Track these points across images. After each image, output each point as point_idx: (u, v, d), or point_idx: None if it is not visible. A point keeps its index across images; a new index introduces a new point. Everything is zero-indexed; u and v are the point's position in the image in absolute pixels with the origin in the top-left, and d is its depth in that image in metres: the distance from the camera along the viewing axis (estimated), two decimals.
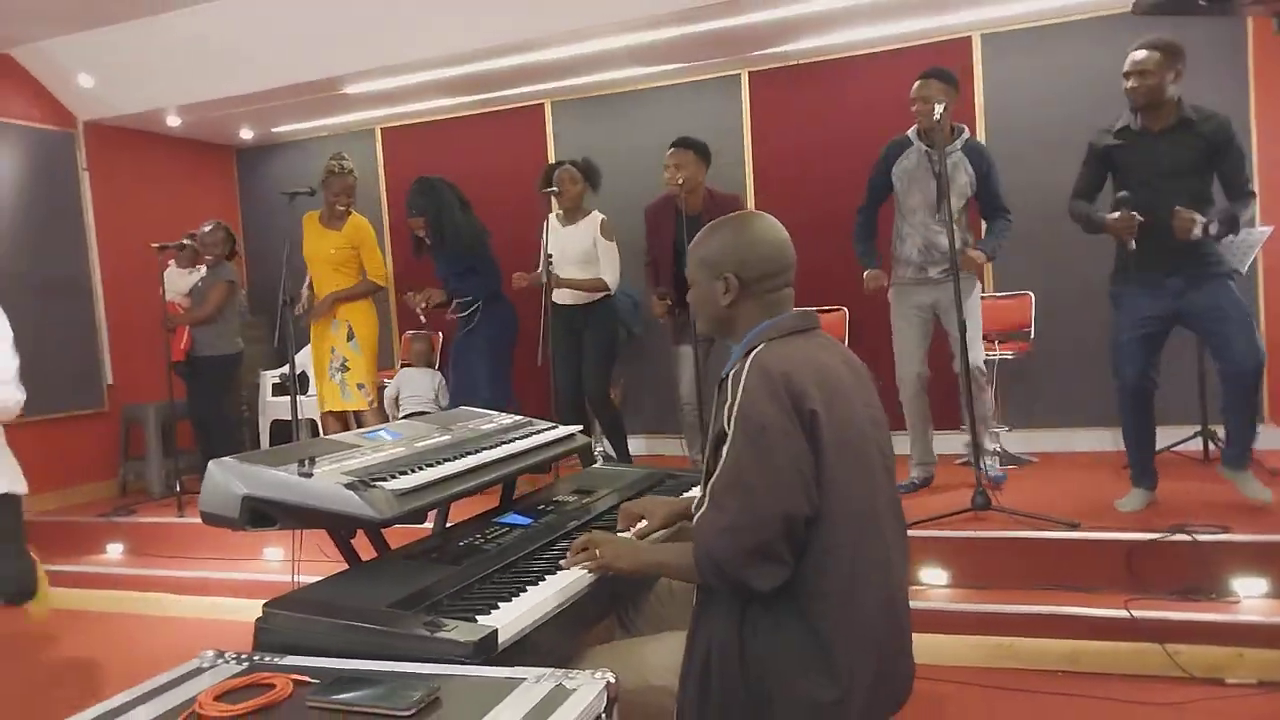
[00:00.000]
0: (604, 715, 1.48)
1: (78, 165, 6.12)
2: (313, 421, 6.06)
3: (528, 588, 1.92)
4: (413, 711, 1.42)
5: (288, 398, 6.44)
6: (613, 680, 1.52)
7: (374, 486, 2.02)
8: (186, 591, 4.86)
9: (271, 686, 1.54)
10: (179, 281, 5.89)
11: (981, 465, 4.12)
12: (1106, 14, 5.15)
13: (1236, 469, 3.92)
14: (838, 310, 5.76)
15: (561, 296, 4.96)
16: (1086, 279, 4.87)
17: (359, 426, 5.22)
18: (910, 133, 4.39)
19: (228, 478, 2.01)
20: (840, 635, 1.77)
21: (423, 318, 5.34)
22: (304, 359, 6.29)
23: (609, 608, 2.21)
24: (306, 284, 5.33)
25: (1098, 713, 3.07)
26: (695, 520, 1.83)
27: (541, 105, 6.38)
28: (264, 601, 1.82)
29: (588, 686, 1.48)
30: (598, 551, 2.01)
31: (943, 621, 3.59)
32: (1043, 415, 5.45)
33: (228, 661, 1.70)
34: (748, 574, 1.74)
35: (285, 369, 6.59)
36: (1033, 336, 5.31)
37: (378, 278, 5.30)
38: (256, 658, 1.71)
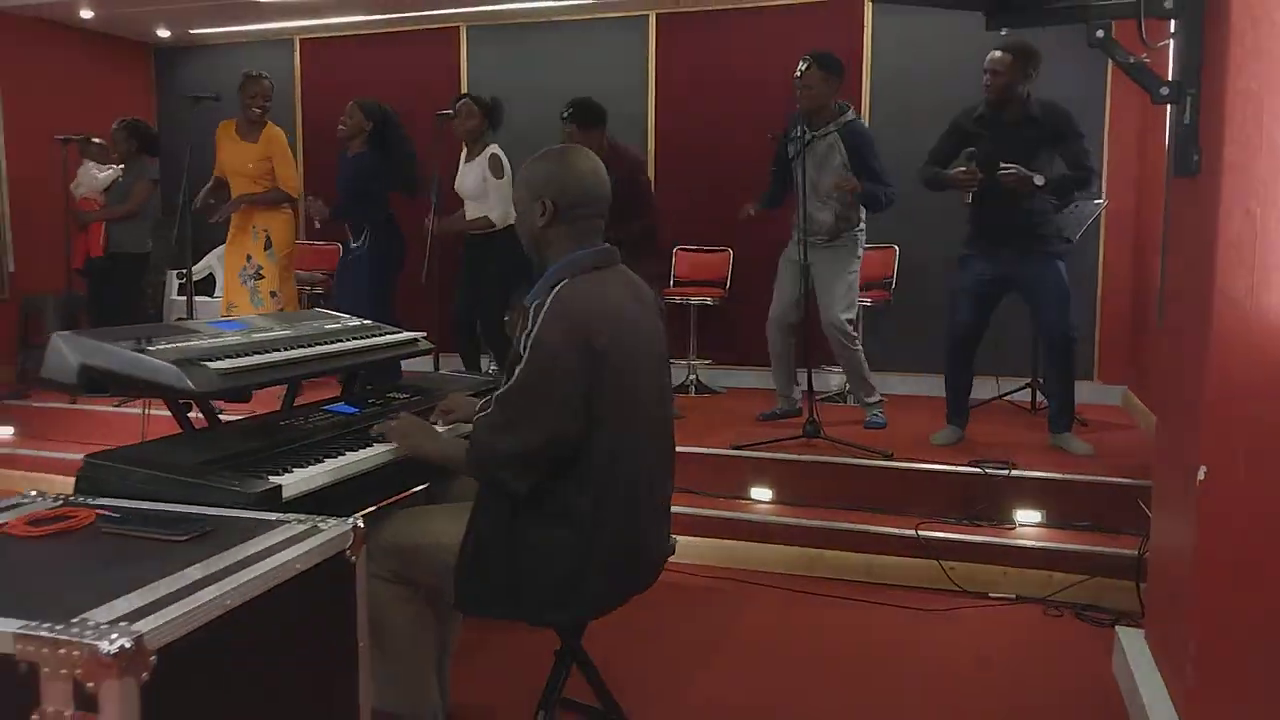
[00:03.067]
0: (349, 551, 1.80)
1: None
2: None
3: (324, 459, 2.22)
4: (185, 538, 1.72)
5: (195, 298, 6.65)
6: (360, 526, 1.83)
7: (199, 365, 2.29)
8: (72, 473, 5.07)
9: (71, 518, 1.83)
10: (96, 178, 5.95)
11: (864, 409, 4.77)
12: None
13: (1058, 430, 4.39)
14: (723, 251, 6.07)
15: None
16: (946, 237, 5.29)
17: None
18: (799, 112, 4.62)
19: (70, 348, 2.27)
20: (593, 535, 2.08)
21: (318, 224, 5.48)
22: (213, 261, 6.46)
23: (408, 483, 2.53)
24: (208, 187, 5.45)
25: (882, 616, 3.51)
26: (475, 418, 2.12)
27: (457, 28, 6.54)
28: (86, 455, 2.10)
29: (337, 528, 1.80)
30: (385, 433, 2.32)
31: (762, 532, 4.01)
32: (898, 359, 5.84)
33: (44, 499, 1.99)
34: (504, 474, 2.05)
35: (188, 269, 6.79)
36: (894, 287, 5.70)
37: (290, 188, 5.42)
38: (72, 498, 1.99)
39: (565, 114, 4.73)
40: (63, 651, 1.30)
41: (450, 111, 5.17)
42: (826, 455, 4.26)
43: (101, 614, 1.38)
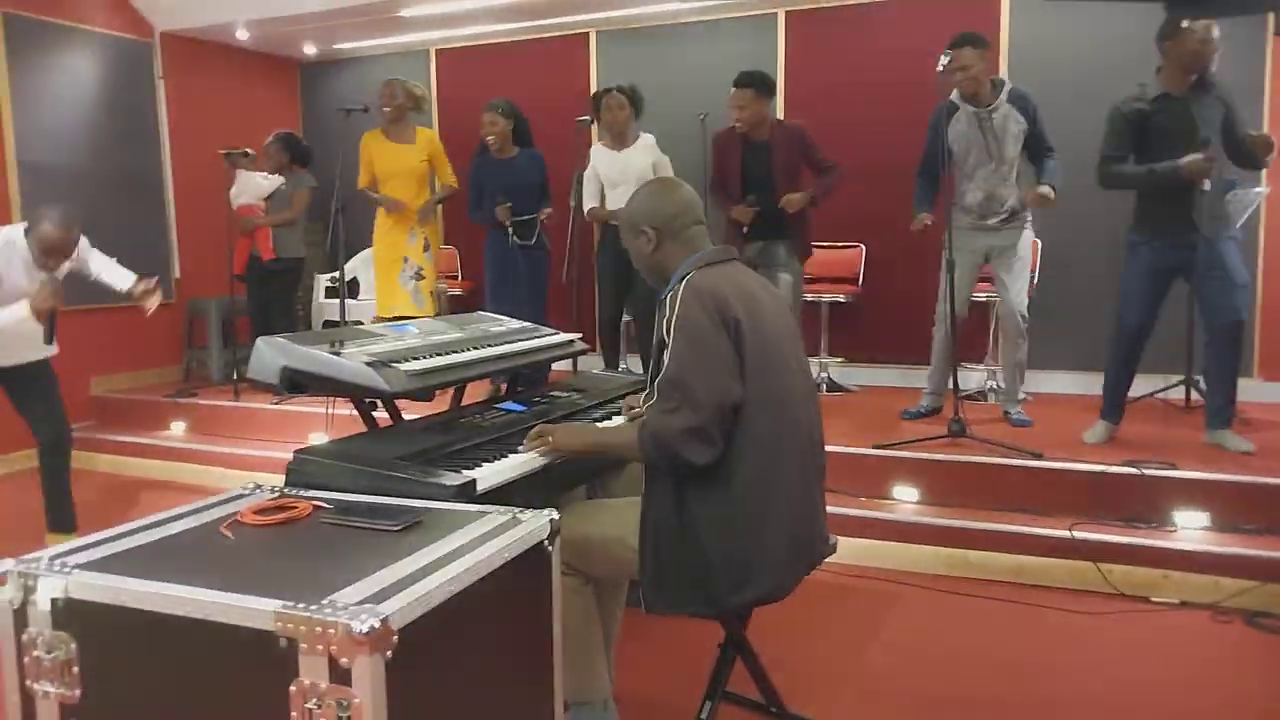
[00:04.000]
0: (546, 542, 1.90)
1: (154, 73, 6.56)
2: (360, 323, 6.53)
3: (509, 454, 2.34)
4: (400, 527, 1.85)
5: (339, 300, 6.97)
6: (556, 518, 1.93)
7: (390, 366, 2.44)
8: (237, 466, 5.41)
9: (294, 508, 1.98)
10: (260, 185, 6.24)
11: (1005, 411, 4.67)
12: None
13: (1218, 426, 4.24)
14: (855, 247, 6.05)
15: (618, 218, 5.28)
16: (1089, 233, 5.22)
17: None
18: (954, 97, 4.57)
19: (272, 352, 2.45)
20: (759, 506, 2.17)
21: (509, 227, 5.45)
22: (357, 265, 6.77)
23: (580, 478, 2.64)
24: (373, 195, 5.70)
25: (1033, 618, 3.46)
26: (645, 409, 2.22)
27: (586, 34, 6.67)
28: (296, 449, 2.26)
29: (535, 519, 1.90)
30: (550, 438, 2.41)
31: (907, 532, 3.99)
32: (1038, 356, 5.71)
33: (264, 491, 2.15)
34: (685, 449, 2.11)
35: (336, 273, 7.11)
36: (1035, 282, 5.58)
37: (453, 183, 5.77)
38: (287, 491, 2.15)
39: (741, 82, 4.81)
40: (319, 629, 1.43)
41: (587, 118, 5.29)
42: (973, 455, 4.21)
43: (348, 595, 1.51)
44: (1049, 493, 3.99)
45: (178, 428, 5.93)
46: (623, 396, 3.03)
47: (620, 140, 5.24)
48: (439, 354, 2.67)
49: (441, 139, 5.74)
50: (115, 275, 4.29)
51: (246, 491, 2.15)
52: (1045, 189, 4.49)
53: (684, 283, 2.19)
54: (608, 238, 5.30)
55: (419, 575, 1.60)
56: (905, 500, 4.20)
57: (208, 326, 6.55)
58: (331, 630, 1.42)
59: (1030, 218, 4.72)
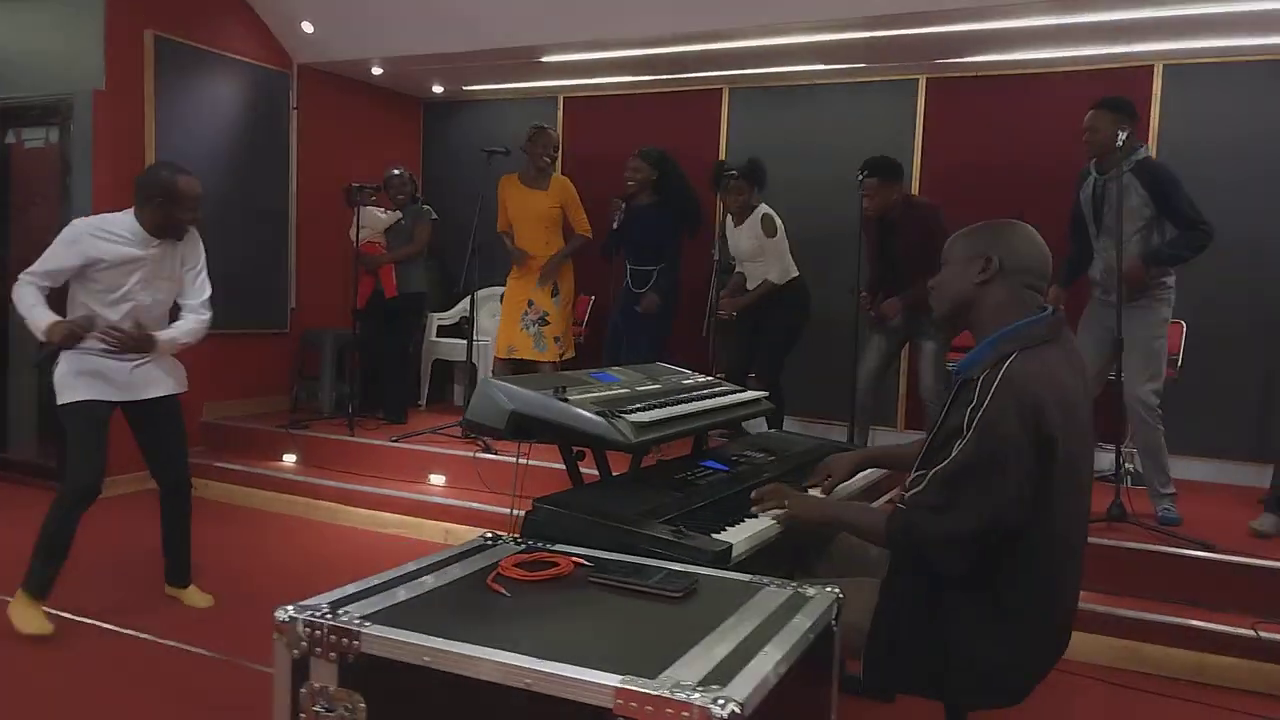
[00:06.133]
0: (834, 623, 1.77)
1: (289, 103, 6.65)
2: (473, 365, 6.49)
3: (745, 519, 2.23)
4: (682, 594, 1.73)
5: (451, 340, 6.97)
6: (841, 595, 1.81)
7: (619, 417, 2.35)
8: (353, 503, 5.35)
9: (556, 564, 1.88)
10: (379, 219, 6.29)
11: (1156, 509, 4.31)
12: None
13: None
14: None
15: (750, 281, 5.30)
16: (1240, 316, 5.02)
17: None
18: (1090, 163, 4.45)
19: (499, 395, 2.37)
20: (1029, 623, 1.99)
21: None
22: (467, 306, 6.74)
23: (793, 551, 2.51)
24: (510, 242, 5.76)
25: None
26: (907, 495, 2.01)
27: (720, 90, 6.65)
28: (535, 499, 2.17)
29: (822, 596, 1.78)
30: (786, 502, 2.28)
31: (1081, 618, 3.77)
32: (1183, 442, 5.51)
33: (506, 541, 2.06)
34: (936, 555, 1.95)
35: (449, 313, 7.12)
36: (1180, 365, 5.39)
37: (585, 231, 5.75)
38: (530, 542, 2.05)
39: (862, 173, 4.77)
40: (669, 711, 1.31)
41: (722, 192, 5.35)
42: (1138, 541, 4.02)
43: (682, 673, 1.39)
44: (1226, 587, 3.78)
45: (289, 459, 5.89)
46: (812, 461, 2.90)
47: (740, 215, 5.37)
48: (654, 406, 2.58)
49: None
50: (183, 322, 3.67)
51: (489, 542, 2.06)
52: (1132, 263, 4.20)
53: (1003, 371, 1.92)
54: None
55: (743, 654, 1.48)
56: None
57: (321, 358, 6.54)
58: (686, 713, 1.30)
59: (1168, 296, 4.37)
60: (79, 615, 3.67)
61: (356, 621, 1.55)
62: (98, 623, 3.64)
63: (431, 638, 1.49)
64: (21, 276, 3.42)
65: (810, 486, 2.58)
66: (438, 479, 5.40)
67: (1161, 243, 4.24)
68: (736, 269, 5.54)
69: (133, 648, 3.46)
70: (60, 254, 3.40)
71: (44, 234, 3.83)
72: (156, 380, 3.63)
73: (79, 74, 5.55)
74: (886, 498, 2.98)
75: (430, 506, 5.13)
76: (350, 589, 1.70)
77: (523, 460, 2.87)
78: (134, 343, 3.41)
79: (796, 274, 5.35)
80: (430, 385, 7.05)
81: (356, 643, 1.52)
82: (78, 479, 3.44)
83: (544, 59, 6.15)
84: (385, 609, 1.63)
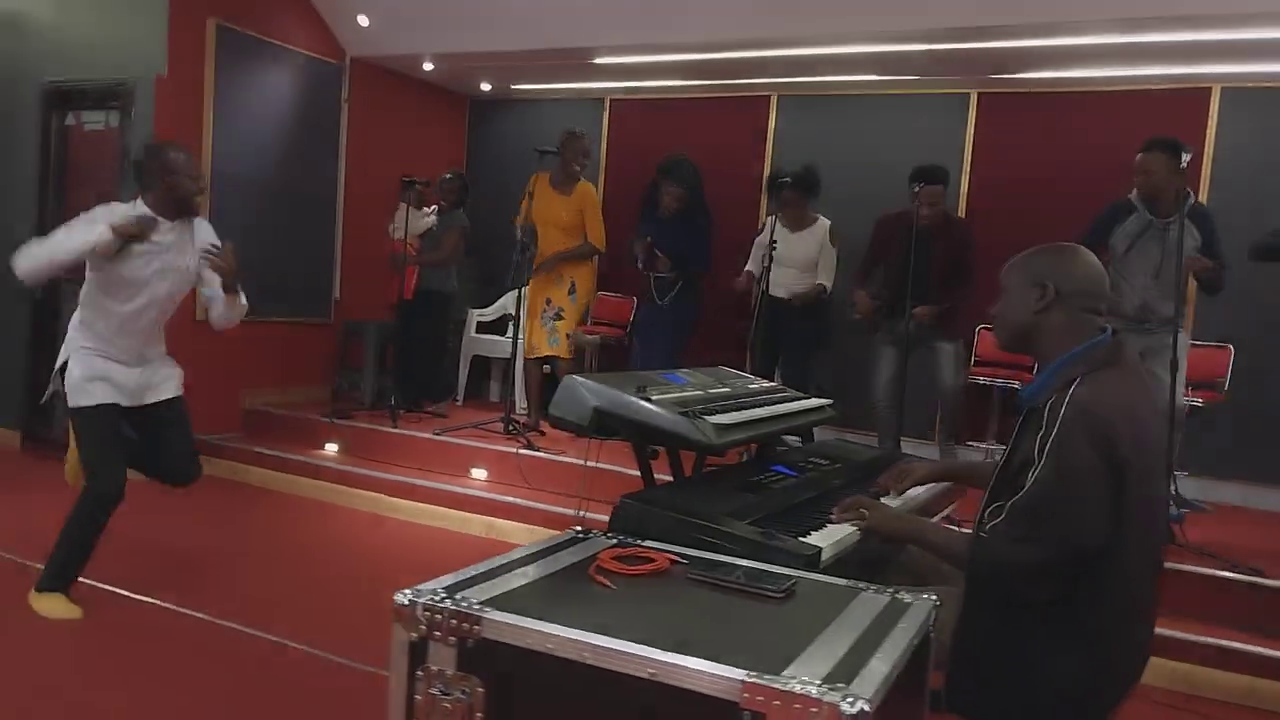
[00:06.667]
0: (932, 630, 1.79)
1: (340, 96, 6.70)
2: (507, 361, 6.54)
3: (825, 524, 2.25)
4: (784, 594, 1.75)
5: (490, 336, 7.04)
6: (938, 602, 1.82)
7: (701, 418, 2.37)
8: (395, 494, 5.38)
9: (651, 559, 1.90)
10: (415, 222, 6.35)
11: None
12: None
13: None
14: None
15: (777, 290, 5.27)
16: None
17: (553, 372, 5.75)
18: (1133, 197, 4.44)
19: (583, 392, 2.39)
20: (1108, 657, 1.99)
21: (640, 265, 5.56)
22: (507, 303, 6.79)
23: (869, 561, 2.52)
24: (524, 234, 5.75)
25: None
26: (988, 529, 2.00)
27: (768, 97, 6.66)
28: (623, 495, 2.19)
29: (920, 604, 1.80)
30: (865, 512, 2.28)
31: None
32: (1223, 467, 5.50)
33: (597, 536, 2.08)
34: (1021, 585, 1.94)
35: (488, 309, 7.17)
36: (1227, 388, 5.38)
37: (597, 241, 5.71)
38: (621, 537, 2.08)
39: (918, 183, 4.79)
40: (798, 706, 1.33)
41: (780, 204, 5.31)
42: (1188, 564, 4.01)
43: (805, 669, 1.41)
44: (1276, 613, 3.77)
45: (332, 449, 5.93)
46: (879, 470, 2.91)
47: (797, 223, 5.36)
48: (731, 409, 2.60)
49: (607, 186, 5.78)
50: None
51: (581, 535, 2.08)
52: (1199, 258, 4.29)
53: (1070, 395, 1.93)
54: (761, 304, 5.26)
55: (860, 655, 1.50)
56: None
57: (364, 349, 6.59)
58: (815, 709, 1.32)
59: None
60: (133, 592, 3.72)
61: (477, 606, 1.57)
62: (148, 598, 3.69)
63: (552, 625, 1.52)
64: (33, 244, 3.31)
65: (882, 488, 2.63)
66: (479, 473, 5.43)
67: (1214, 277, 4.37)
68: (748, 267, 5.50)
69: (187, 625, 3.51)
70: (82, 229, 3.27)
71: None
72: (163, 383, 3.62)
73: (141, 59, 5.61)
74: (944, 514, 2.99)
75: (473, 500, 5.15)
76: (462, 575, 1.73)
77: (590, 462, 2.88)
78: (232, 268, 3.38)
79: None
80: (468, 381, 7.11)
81: (477, 627, 1.55)
82: (100, 487, 3.39)
83: (596, 60, 6.18)
84: (500, 595, 1.65)
